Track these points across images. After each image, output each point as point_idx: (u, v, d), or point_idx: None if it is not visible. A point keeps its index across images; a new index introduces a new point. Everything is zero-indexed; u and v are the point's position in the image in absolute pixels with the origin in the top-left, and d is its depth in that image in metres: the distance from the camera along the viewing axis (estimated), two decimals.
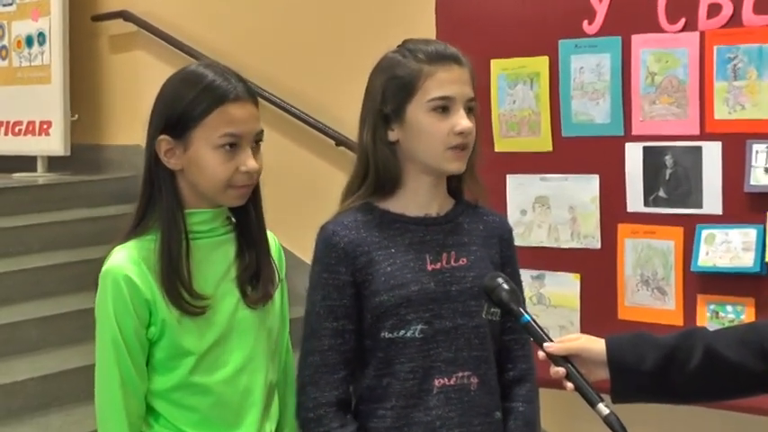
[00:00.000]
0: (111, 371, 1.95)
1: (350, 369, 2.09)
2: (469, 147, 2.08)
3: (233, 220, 2.09)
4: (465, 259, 2.09)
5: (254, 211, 2.07)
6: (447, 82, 2.05)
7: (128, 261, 1.95)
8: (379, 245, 2.08)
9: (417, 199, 2.12)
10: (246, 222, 2.07)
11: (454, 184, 2.17)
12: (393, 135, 2.09)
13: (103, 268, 1.98)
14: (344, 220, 2.11)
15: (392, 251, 2.07)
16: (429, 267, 2.07)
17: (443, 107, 2.05)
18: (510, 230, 2.23)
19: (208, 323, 1.98)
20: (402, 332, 2.04)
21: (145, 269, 1.95)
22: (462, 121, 2.04)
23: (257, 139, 2.01)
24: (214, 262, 2.02)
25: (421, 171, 2.10)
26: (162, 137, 1.98)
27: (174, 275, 1.95)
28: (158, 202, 1.99)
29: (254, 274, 2.05)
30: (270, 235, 2.13)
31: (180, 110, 1.96)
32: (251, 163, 1.98)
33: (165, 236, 1.96)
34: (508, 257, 2.18)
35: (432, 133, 2.05)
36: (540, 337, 1.88)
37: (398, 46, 2.14)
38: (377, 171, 2.10)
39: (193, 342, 1.97)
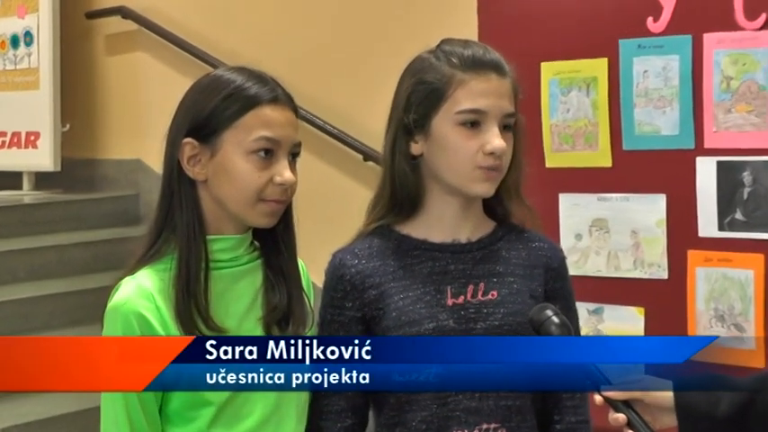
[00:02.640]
0: (120, 424, 1.94)
1: (359, 417, 2.09)
2: (502, 168, 2.06)
3: (257, 244, 2.08)
4: (495, 292, 2.07)
5: (284, 236, 2.07)
6: (481, 93, 2.03)
7: (139, 295, 1.94)
8: (394, 275, 2.08)
9: (443, 222, 2.11)
10: (275, 250, 2.06)
11: (499, 210, 2.16)
12: (416, 148, 2.08)
13: (111, 303, 1.96)
14: (357, 247, 2.12)
15: (407, 283, 2.07)
16: (449, 302, 2.06)
17: (474, 121, 2.03)
18: (561, 259, 2.20)
19: None
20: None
21: (161, 303, 1.94)
22: (495, 140, 2.02)
23: (294, 151, 2.02)
24: (237, 295, 2.01)
25: (445, 191, 2.09)
26: (186, 140, 1.98)
27: (190, 300, 1.93)
28: (177, 219, 1.99)
29: (284, 316, 2.04)
30: (300, 263, 2.12)
31: (209, 110, 1.97)
32: (287, 174, 1.97)
33: (184, 257, 1.95)
34: (557, 291, 2.15)
35: (458, 150, 2.04)
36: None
37: (436, 46, 2.14)
38: (393, 188, 2.11)
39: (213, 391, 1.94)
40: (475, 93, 2.04)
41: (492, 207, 2.16)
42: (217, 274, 1.99)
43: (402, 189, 2.10)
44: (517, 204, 2.15)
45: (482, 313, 2.05)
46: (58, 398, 4.37)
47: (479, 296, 2.07)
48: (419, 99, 2.07)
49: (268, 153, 1.97)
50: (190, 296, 1.94)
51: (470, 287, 2.07)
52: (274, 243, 2.07)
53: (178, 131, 2.00)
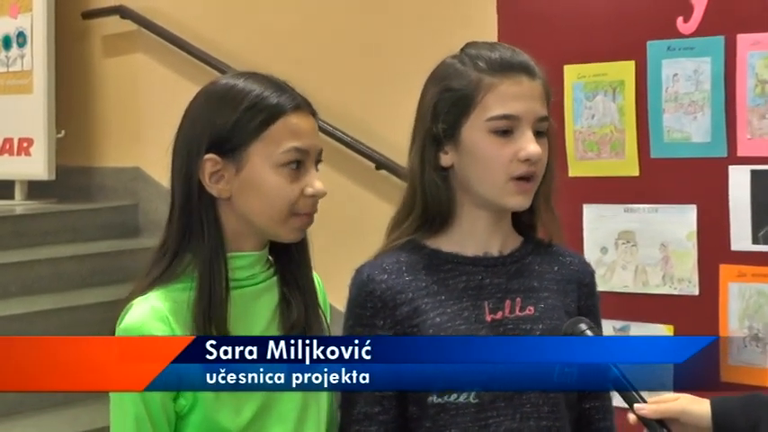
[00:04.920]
0: None
1: None
2: (537, 177, 2.07)
3: (271, 260, 2.08)
4: (533, 308, 2.08)
5: (299, 250, 2.08)
6: (512, 97, 2.04)
7: (154, 317, 1.93)
8: (427, 291, 2.08)
9: (474, 236, 2.12)
10: (290, 264, 2.07)
11: (526, 219, 2.17)
12: (446, 159, 2.09)
13: (123, 325, 1.95)
14: (384, 261, 2.11)
15: (442, 298, 2.07)
16: (488, 318, 2.06)
17: (506, 129, 2.04)
18: (592, 274, 2.21)
19: (245, 393, 1.95)
20: (454, 396, 2.03)
21: (175, 326, 1.93)
22: (530, 146, 2.02)
23: (318, 159, 2.03)
24: (255, 315, 2.02)
25: (477, 204, 2.10)
26: (208, 156, 1.97)
27: (211, 325, 1.93)
28: (197, 241, 1.98)
29: (302, 332, 2.03)
30: (315, 277, 2.13)
31: (231, 123, 1.96)
32: (318, 184, 1.99)
33: (205, 282, 1.95)
34: (589, 307, 2.16)
35: (491, 159, 2.04)
36: (630, 397, 1.89)
37: (460, 50, 2.14)
38: (424, 201, 2.11)
39: (230, 418, 1.96)
40: (506, 97, 2.04)
41: (518, 217, 2.17)
42: (237, 293, 2.00)
43: (434, 203, 2.10)
44: (546, 215, 2.16)
45: (520, 329, 2.06)
46: (52, 420, 4.38)
47: (517, 311, 2.08)
48: (446, 107, 2.07)
49: (298, 164, 1.98)
50: (211, 322, 1.94)
51: (508, 302, 2.08)
52: (289, 257, 2.08)
53: (195, 147, 1.98)
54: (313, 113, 2.04)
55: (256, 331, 2.01)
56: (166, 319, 1.94)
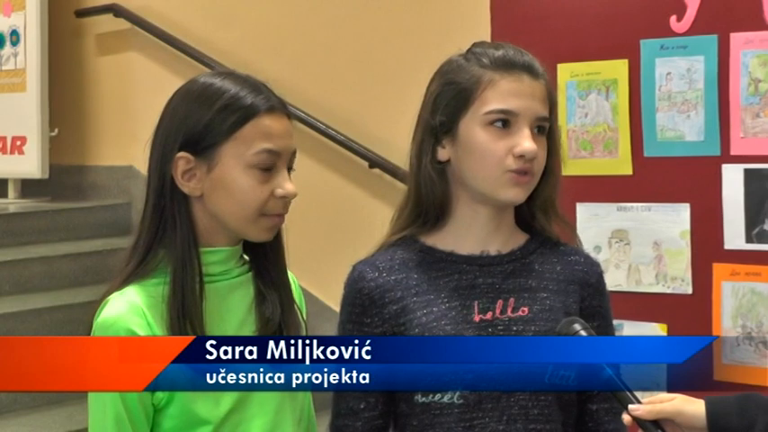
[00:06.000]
0: None
1: None
2: (533, 174, 2.05)
3: (245, 258, 2.10)
4: (526, 309, 2.06)
5: (274, 247, 2.09)
6: (511, 94, 2.03)
7: (131, 311, 1.95)
8: (417, 289, 2.08)
9: (472, 233, 2.11)
10: (264, 261, 2.09)
11: (536, 225, 2.15)
12: (444, 153, 2.09)
13: (98, 320, 1.97)
14: (378, 259, 2.12)
15: (431, 297, 2.06)
16: (476, 318, 2.05)
17: (504, 122, 2.03)
18: (600, 274, 2.18)
19: None
20: (438, 396, 2.03)
21: (151, 321, 1.95)
22: (525, 142, 2.02)
23: (291, 160, 2.03)
24: (230, 309, 2.03)
25: (474, 199, 2.09)
26: (180, 154, 1.98)
27: (186, 321, 1.95)
28: (169, 236, 2.00)
29: (278, 328, 2.05)
30: (290, 275, 2.14)
31: (204, 122, 1.98)
32: (288, 186, 1.99)
33: (179, 276, 1.97)
34: (595, 308, 2.14)
35: (486, 152, 2.03)
36: (624, 398, 1.88)
37: (468, 48, 2.15)
38: (418, 195, 2.11)
39: (209, 409, 1.97)
40: (505, 92, 2.04)
41: (525, 222, 2.15)
42: (210, 288, 2.01)
43: (428, 197, 2.10)
44: (554, 219, 2.14)
45: (512, 331, 2.05)
46: (45, 418, 4.37)
47: (509, 312, 2.06)
48: (446, 100, 2.08)
49: (269, 166, 1.98)
50: (185, 316, 1.95)
51: (500, 302, 2.07)
52: (264, 254, 2.09)
53: (169, 145, 2.00)
54: (288, 115, 2.04)
55: (232, 325, 2.03)
56: (143, 313, 1.95)
